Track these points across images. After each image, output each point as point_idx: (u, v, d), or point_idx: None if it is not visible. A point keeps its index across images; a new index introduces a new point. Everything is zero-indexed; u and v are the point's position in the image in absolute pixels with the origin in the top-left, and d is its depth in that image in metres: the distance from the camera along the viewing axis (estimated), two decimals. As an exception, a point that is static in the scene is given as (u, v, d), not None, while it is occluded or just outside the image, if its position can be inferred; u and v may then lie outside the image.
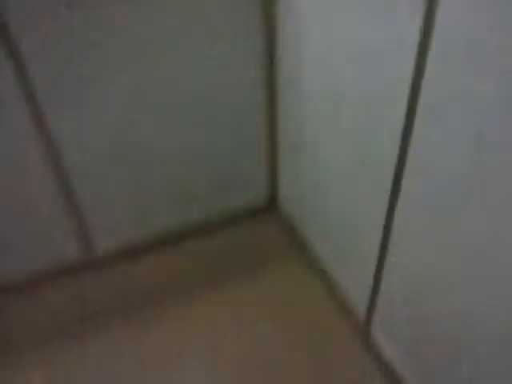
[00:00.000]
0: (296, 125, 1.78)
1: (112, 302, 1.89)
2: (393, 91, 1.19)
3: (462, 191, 1.06)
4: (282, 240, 2.11)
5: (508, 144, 0.91)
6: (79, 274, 2.01)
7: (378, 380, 1.60)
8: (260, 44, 1.74)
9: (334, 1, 1.33)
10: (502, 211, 0.97)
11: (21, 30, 1.45)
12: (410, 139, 1.17)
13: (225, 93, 1.81)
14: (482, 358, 1.14)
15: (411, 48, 1.07)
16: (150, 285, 1.95)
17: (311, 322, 1.78)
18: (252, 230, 2.15)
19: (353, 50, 1.31)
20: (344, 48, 1.36)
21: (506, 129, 0.90)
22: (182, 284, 1.94)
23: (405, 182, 1.24)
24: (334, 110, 1.50)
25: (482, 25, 0.90)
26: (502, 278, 1.01)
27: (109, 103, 1.67)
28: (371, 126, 1.32)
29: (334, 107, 1.49)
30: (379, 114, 1.27)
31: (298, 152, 1.84)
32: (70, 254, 1.98)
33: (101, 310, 1.87)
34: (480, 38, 0.90)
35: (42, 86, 1.55)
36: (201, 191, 2.04)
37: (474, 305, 1.12)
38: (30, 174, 1.70)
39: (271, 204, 2.22)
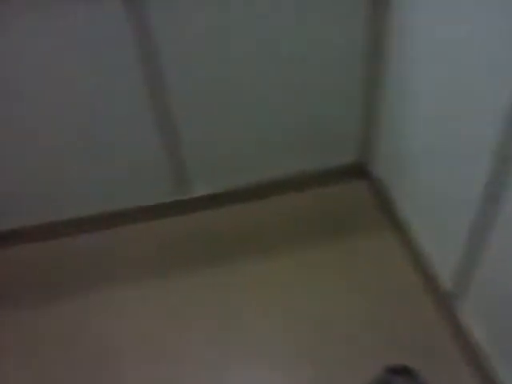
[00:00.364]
0: (396, 90, 1.75)
1: (197, 246, 1.92)
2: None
3: None
4: (370, 204, 2.04)
5: None
6: (171, 214, 2.03)
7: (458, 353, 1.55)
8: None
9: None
10: None
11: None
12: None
13: (324, 57, 1.77)
14: None
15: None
16: (233, 233, 1.96)
17: (393, 287, 1.74)
18: (341, 192, 2.08)
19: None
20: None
21: None
22: (265, 237, 1.94)
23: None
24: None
25: None
26: None
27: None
28: (473, 106, 1.26)
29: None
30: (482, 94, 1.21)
31: (395, 119, 1.81)
32: (165, 194, 2.01)
33: (185, 252, 1.90)
34: None
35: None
36: (296, 148, 2.01)
37: None
38: (137, 112, 1.73)
39: (362, 168, 2.14)
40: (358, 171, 2.11)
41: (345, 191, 2.08)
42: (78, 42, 1.51)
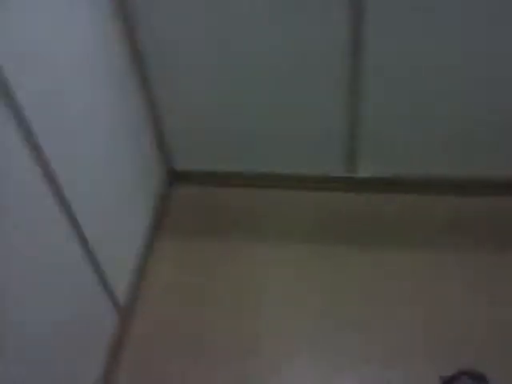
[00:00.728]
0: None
1: (349, 224, 1.97)
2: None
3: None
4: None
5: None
6: (332, 189, 2.08)
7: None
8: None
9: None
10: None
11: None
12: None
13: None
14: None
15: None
16: (387, 220, 1.97)
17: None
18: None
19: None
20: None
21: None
22: (417, 232, 1.92)
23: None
24: None
25: None
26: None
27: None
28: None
29: None
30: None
31: None
32: (332, 168, 2.05)
33: (337, 229, 1.96)
34: None
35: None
36: (476, 149, 1.93)
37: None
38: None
39: None
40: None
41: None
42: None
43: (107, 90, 1.57)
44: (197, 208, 2.06)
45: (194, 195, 2.10)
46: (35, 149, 1.15)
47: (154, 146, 1.99)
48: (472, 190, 2.00)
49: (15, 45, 1.08)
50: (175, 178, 2.14)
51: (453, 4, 1.52)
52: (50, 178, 1.21)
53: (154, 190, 2.00)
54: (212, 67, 1.76)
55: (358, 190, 2.07)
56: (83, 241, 1.40)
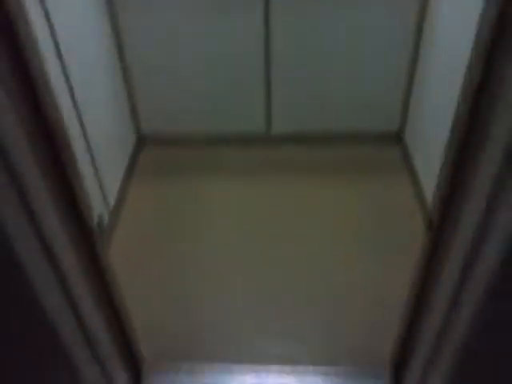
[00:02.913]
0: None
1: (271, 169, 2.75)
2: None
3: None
4: (397, 164, 2.73)
5: None
6: (252, 144, 2.87)
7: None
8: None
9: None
10: None
11: None
12: None
13: (377, 44, 2.52)
14: None
15: None
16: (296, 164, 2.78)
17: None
18: (375, 152, 2.81)
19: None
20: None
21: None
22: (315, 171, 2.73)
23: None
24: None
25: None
26: None
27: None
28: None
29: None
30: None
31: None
32: (253, 127, 2.83)
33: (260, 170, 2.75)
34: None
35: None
36: (350, 108, 2.76)
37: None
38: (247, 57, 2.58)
39: (398, 134, 2.84)
40: (396, 137, 2.83)
41: (379, 152, 2.81)
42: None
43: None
44: (162, 163, 2.83)
45: (160, 154, 2.88)
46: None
47: (127, 112, 2.76)
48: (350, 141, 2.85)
49: None
50: (143, 140, 2.92)
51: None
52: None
53: (126, 149, 2.76)
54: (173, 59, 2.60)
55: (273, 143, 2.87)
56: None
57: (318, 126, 2.84)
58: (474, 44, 0.98)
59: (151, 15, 2.45)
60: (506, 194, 0.89)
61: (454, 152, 1.10)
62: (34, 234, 0.95)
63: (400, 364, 1.62)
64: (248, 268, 2.21)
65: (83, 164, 2.07)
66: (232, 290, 2.11)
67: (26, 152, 0.91)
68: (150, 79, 2.68)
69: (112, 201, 2.42)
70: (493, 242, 0.95)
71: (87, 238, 1.19)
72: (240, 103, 2.77)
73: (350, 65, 2.60)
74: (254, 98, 2.74)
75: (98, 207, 2.21)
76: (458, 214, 1.12)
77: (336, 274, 2.15)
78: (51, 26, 1.78)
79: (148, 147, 2.91)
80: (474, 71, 0.97)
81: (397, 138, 2.85)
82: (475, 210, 1.02)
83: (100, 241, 1.24)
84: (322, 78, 2.65)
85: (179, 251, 2.29)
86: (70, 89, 1.95)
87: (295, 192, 2.60)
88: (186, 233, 2.39)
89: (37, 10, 1.70)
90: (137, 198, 2.59)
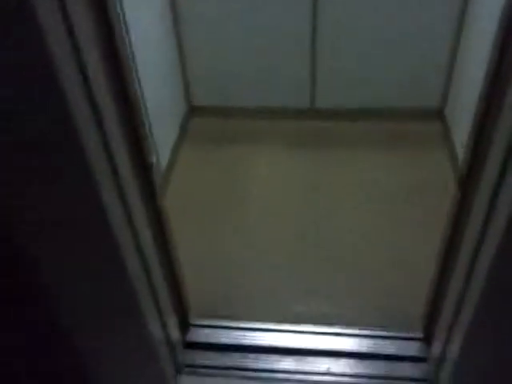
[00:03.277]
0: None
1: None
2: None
3: None
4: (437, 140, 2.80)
5: None
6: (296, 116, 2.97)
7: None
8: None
9: None
10: None
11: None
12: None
13: (421, 19, 2.59)
14: None
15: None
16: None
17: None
18: (416, 128, 2.90)
19: None
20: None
21: None
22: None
23: None
24: None
25: None
26: None
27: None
28: None
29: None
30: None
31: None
32: (298, 100, 2.94)
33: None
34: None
35: None
36: (392, 83, 2.84)
37: None
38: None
39: (439, 110, 2.90)
40: (438, 113, 2.89)
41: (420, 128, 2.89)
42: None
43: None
44: (211, 133, 2.98)
45: (209, 124, 3.03)
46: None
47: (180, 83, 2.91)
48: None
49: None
50: (194, 111, 3.06)
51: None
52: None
53: (178, 118, 2.92)
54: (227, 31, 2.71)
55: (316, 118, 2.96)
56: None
57: (360, 101, 2.91)
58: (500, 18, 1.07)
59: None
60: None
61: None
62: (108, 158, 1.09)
63: (429, 324, 1.74)
64: (285, 232, 2.35)
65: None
66: (271, 254, 2.25)
67: (104, 86, 1.06)
68: (201, 52, 2.81)
69: (163, 166, 2.58)
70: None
71: (147, 173, 1.34)
72: (286, 77, 2.86)
73: (393, 40, 2.66)
74: (300, 72, 2.83)
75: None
76: (481, 172, 1.24)
77: (372, 240, 2.28)
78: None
79: (198, 117, 3.05)
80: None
81: (438, 114, 2.90)
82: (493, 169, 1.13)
83: (157, 179, 1.39)
84: (366, 52, 2.72)
85: (224, 217, 2.44)
86: (132, 55, 2.09)
87: (337, 164, 2.71)
88: (232, 200, 2.53)
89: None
90: (186, 165, 2.74)
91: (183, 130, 2.92)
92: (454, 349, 1.48)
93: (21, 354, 1.28)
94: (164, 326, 1.59)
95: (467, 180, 1.37)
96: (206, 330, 1.85)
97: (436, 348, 1.65)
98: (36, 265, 1.05)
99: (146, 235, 1.38)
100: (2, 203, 0.90)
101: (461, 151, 2.52)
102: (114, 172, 1.12)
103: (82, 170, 1.00)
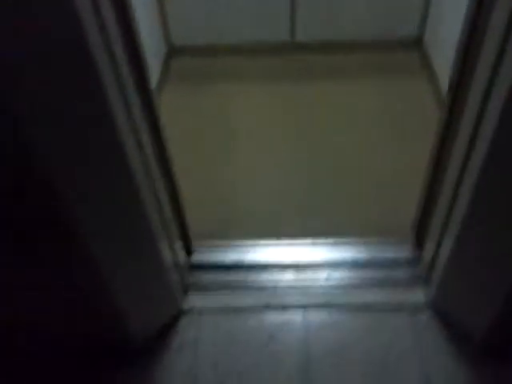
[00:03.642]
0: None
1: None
2: None
3: None
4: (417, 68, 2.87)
5: None
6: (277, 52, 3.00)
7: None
8: None
9: None
10: None
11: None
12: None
13: None
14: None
15: None
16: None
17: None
18: (396, 57, 2.96)
19: None
20: None
21: None
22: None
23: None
24: None
25: None
26: None
27: None
28: None
29: None
30: None
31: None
32: (277, 35, 2.97)
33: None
34: None
35: None
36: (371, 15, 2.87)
37: None
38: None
39: (418, 40, 2.96)
40: (415, 43, 2.95)
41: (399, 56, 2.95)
42: None
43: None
44: (192, 71, 2.99)
45: (189, 63, 3.03)
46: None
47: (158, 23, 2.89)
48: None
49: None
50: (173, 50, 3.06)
51: None
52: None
53: (158, 58, 2.91)
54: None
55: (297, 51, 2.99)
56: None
57: (339, 33, 2.96)
58: None
59: None
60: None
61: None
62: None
63: (420, 231, 1.84)
64: (277, 158, 2.44)
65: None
66: (266, 178, 2.33)
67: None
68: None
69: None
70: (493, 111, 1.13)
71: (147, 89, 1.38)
72: (265, 11, 2.87)
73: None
74: (279, 6, 2.84)
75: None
76: (468, 85, 1.31)
77: (361, 159, 2.38)
78: None
79: (178, 57, 3.05)
80: None
81: (417, 44, 2.95)
82: (481, 81, 1.19)
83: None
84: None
85: (216, 147, 2.50)
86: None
87: (322, 94, 2.77)
88: (222, 132, 2.58)
89: None
90: (167, 103, 2.76)
91: (165, 70, 2.93)
92: (445, 251, 1.58)
93: (39, 264, 1.35)
94: (172, 249, 1.67)
95: (454, 98, 1.43)
96: (209, 252, 1.93)
97: (428, 252, 1.76)
98: (48, 167, 1.11)
99: (151, 158, 1.43)
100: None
101: (442, 76, 2.60)
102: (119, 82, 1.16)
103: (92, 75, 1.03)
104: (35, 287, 1.42)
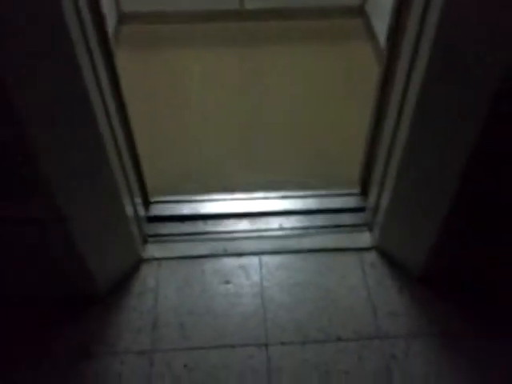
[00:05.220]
0: None
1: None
2: None
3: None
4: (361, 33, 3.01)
5: None
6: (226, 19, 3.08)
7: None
8: None
9: None
10: None
11: None
12: None
13: None
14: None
15: None
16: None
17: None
18: (341, 24, 3.12)
19: None
20: None
21: None
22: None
23: None
24: None
25: None
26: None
27: None
28: None
29: None
30: None
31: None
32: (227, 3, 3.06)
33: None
34: None
35: None
36: None
37: None
38: None
39: (360, 7, 3.11)
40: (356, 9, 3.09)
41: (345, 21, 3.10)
42: None
43: None
44: (142, 38, 3.02)
45: (140, 31, 3.06)
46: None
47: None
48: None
49: None
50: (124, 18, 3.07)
51: None
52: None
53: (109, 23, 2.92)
54: None
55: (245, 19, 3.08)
56: None
57: (287, 1, 3.04)
58: None
59: None
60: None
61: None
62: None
63: (365, 181, 1.98)
64: (228, 115, 2.54)
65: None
66: (217, 137, 2.42)
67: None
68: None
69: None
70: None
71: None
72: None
73: None
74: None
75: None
76: (402, 34, 1.43)
77: (310, 115, 2.51)
78: None
79: (128, 23, 3.07)
80: None
81: (359, 11, 3.09)
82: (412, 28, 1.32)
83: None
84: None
85: (167, 109, 2.56)
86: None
87: (267, 58, 2.87)
88: (173, 96, 2.63)
89: None
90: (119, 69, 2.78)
91: (115, 37, 2.94)
92: (385, 199, 1.72)
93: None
94: (132, 201, 1.73)
95: (392, 46, 1.55)
96: (165, 205, 2.00)
97: (371, 199, 1.90)
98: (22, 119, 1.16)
99: (111, 108, 1.49)
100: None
101: (382, 39, 2.74)
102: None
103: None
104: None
